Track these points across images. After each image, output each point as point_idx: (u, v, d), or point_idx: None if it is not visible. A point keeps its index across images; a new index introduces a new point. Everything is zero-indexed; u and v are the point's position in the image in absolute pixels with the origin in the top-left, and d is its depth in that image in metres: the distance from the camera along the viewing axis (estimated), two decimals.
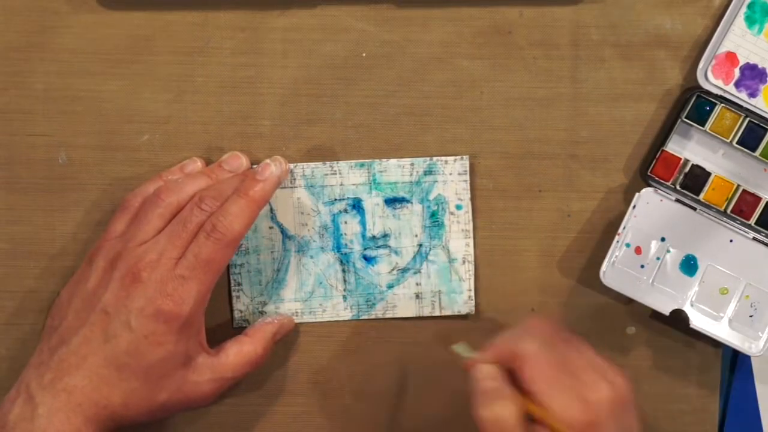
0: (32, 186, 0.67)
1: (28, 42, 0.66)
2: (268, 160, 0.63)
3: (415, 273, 0.67)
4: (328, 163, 0.66)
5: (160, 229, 0.62)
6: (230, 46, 0.66)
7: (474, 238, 0.67)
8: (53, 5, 0.66)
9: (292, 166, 0.66)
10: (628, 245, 0.65)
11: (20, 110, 0.66)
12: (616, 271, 0.65)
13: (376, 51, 0.66)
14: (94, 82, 0.66)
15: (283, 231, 0.67)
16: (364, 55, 0.66)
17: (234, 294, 0.67)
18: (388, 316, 0.67)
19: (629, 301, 0.66)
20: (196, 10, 0.66)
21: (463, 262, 0.67)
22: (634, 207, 0.65)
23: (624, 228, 0.65)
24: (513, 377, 0.57)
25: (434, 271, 0.67)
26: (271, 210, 0.67)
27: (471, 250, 0.67)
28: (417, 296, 0.67)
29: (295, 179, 0.66)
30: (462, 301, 0.67)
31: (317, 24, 0.66)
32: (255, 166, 0.64)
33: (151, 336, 0.59)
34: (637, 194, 0.65)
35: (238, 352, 0.63)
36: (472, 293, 0.67)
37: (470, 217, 0.67)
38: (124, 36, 0.66)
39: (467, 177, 0.66)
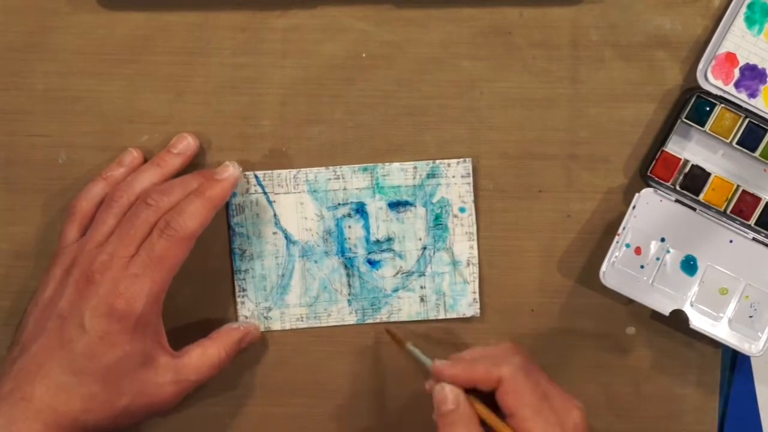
0: (32, 186, 0.67)
1: (28, 42, 0.66)
2: (227, 162, 0.64)
3: (419, 276, 0.67)
4: (331, 167, 0.66)
5: (114, 228, 0.62)
6: (230, 46, 0.66)
7: (478, 240, 0.67)
8: (53, 5, 0.66)
9: (295, 171, 0.66)
10: (627, 245, 0.65)
11: (20, 110, 0.66)
12: (616, 271, 0.65)
13: (376, 51, 0.66)
14: (94, 82, 0.66)
15: (287, 236, 0.67)
16: (364, 55, 0.66)
17: (239, 300, 0.67)
18: (393, 319, 0.67)
19: (629, 301, 0.66)
20: (196, 10, 0.66)
21: (468, 264, 0.67)
22: (633, 207, 0.65)
23: (624, 228, 0.65)
24: (483, 397, 0.58)
25: (439, 274, 0.67)
26: (275, 215, 0.66)
27: (475, 252, 0.67)
28: (422, 299, 0.67)
29: (298, 184, 0.66)
30: (467, 304, 0.67)
31: (317, 24, 0.66)
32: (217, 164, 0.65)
33: (105, 336, 0.59)
34: (637, 194, 0.65)
35: (202, 355, 0.63)
36: (477, 296, 0.67)
37: (474, 220, 0.67)
38: (124, 36, 0.66)
39: (470, 180, 0.66)
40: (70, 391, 0.58)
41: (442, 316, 0.67)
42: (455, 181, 0.66)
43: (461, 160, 0.66)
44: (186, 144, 0.65)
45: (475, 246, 0.67)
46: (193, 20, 0.66)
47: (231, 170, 0.63)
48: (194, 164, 0.66)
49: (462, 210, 0.67)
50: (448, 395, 0.57)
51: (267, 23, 0.66)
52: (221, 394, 0.67)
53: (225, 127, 0.66)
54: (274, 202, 0.66)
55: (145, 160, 0.66)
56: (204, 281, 0.67)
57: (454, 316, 0.67)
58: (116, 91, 0.66)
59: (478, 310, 0.67)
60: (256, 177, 0.66)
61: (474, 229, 0.67)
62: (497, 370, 0.57)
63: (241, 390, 0.67)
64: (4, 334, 0.67)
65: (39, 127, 0.66)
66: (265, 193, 0.66)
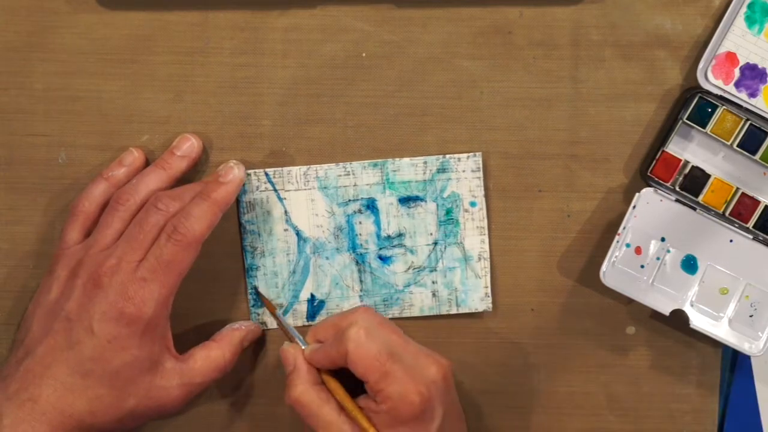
0: (32, 186, 0.67)
1: (28, 42, 0.66)
2: (231, 163, 0.64)
3: (431, 271, 0.67)
4: (341, 164, 0.66)
5: (120, 231, 0.62)
6: (230, 46, 0.66)
7: (489, 234, 0.67)
8: (53, 5, 0.66)
9: (305, 168, 0.66)
10: (628, 245, 0.65)
11: (20, 110, 0.66)
12: (616, 271, 0.65)
13: (376, 51, 0.66)
14: (94, 82, 0.66)
15: (298, 233, 0.67)
16: (364, 55, 0.66)
17: (251, 297, 0.67)
18: (405, 315, 0.67)
19: (629, 301, 0.66)
20: (196, 10, 0.66)
21: (479, 259, 0.67)
22: (634, 207, 0.65)
23: (624, 228, 0.65)
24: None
25: (450, 269, 0.67)
26: (286, 212, 0.67)
27: (486, 246, 0.67)
28: (434, 295, 0.67)
29: (308, 181, 0.66)
30: (479, 299, 0.67)
31: (317, 24, 0.66)
32: (221, 166, 0.64)
33: (114, 340, 0.59)
34: (637, 194, 0.65)
35: (206, 357, 0.63)
36: (489, 290, 0.67)
37: (485, 214, 0.67)
38: (124, 36, 0.66)
39: (480, 174, 0.66)
40: (77, 393, 0.59)
41: (454, 311, 0.67)
42: (465, 176, 0.66)
43: (471, 154, 0.66)
44: (189, 146, 0.65)
45: (487, 240, 0.67)
46: (193, 20, 0.66)
47: (235, 172, 0.63)
48: (196, 164, 0.66)
49: (473, 204, 0.66)
50: (289, 357, 0.61)
51: (267, 23, 0.66)
52: (221, 394, 0.67)
53: (225, 127, 0.66)
54: (285, 199, 0.66)
55: (147, 160, 0.66)
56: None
57: (466, 311, 0.67)
58: (116, 91, 0.66)
59: (490, 305, 0.67)
60: (267, 174, 0.66)
61: (485, 224, 0.67)
62: (342, 346, 0.58)
63: (241, 390, 0.67)
64: (4, 334, 0.67)
65: (39, 126, 0.66)
66: (275, 190, 0.66)
